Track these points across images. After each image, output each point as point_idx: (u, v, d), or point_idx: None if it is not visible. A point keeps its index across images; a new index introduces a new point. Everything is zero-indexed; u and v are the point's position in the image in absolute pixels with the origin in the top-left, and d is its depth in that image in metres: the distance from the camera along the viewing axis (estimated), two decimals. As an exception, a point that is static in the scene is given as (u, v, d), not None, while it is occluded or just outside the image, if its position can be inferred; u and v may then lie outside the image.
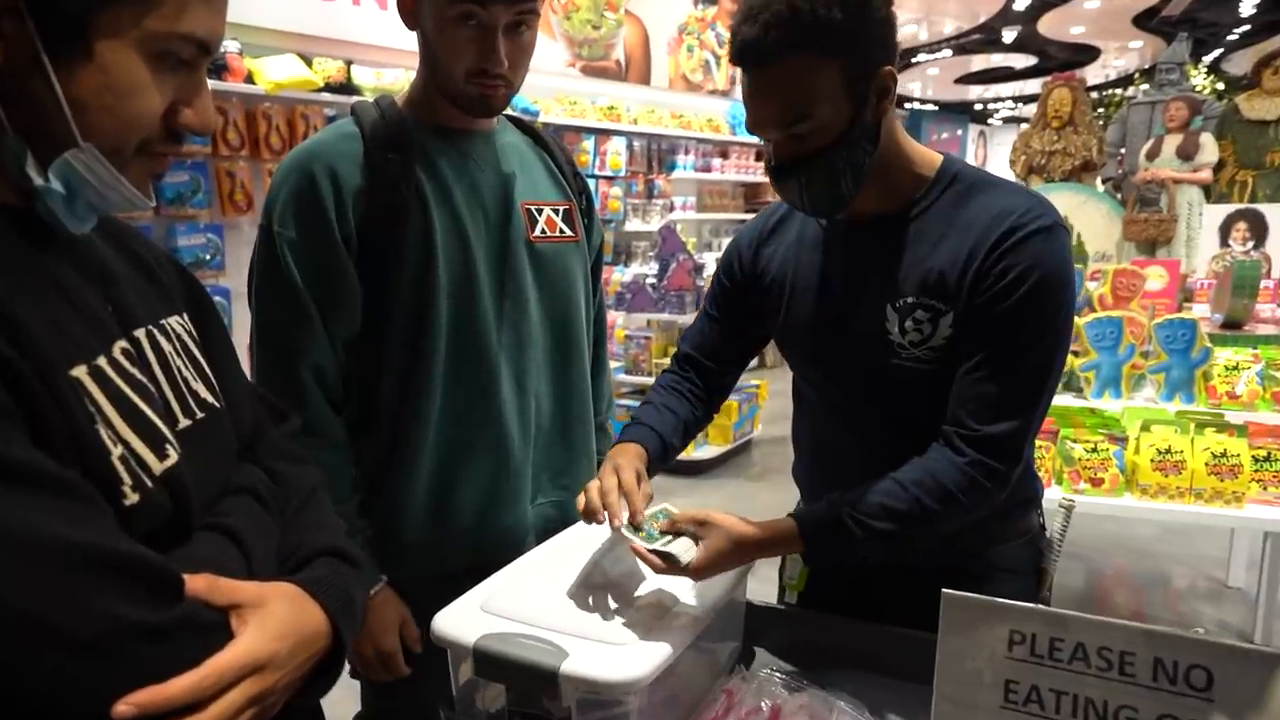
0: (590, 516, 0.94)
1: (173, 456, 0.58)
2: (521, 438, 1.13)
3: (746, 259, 1.13)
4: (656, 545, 0.91)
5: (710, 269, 4.87)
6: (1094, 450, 1.91)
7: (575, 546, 1.05)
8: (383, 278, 1.04)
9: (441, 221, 1.06)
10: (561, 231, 1.18)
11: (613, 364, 4.78)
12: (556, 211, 1.18)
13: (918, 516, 0.92)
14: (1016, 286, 0.91)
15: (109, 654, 0.48)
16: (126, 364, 0.59)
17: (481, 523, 1.11)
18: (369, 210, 1.02)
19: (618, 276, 5.77)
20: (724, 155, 6.99)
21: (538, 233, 1.15)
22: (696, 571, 0.90)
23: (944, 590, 0.74)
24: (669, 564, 0.90)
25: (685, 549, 0.91)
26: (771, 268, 1.09)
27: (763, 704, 0.91)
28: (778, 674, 0.97)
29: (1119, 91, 12.29)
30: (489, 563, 1.06)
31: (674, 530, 0.93)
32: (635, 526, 0.93)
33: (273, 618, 0.58)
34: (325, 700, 0.75)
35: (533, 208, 1.15)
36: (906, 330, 0.96)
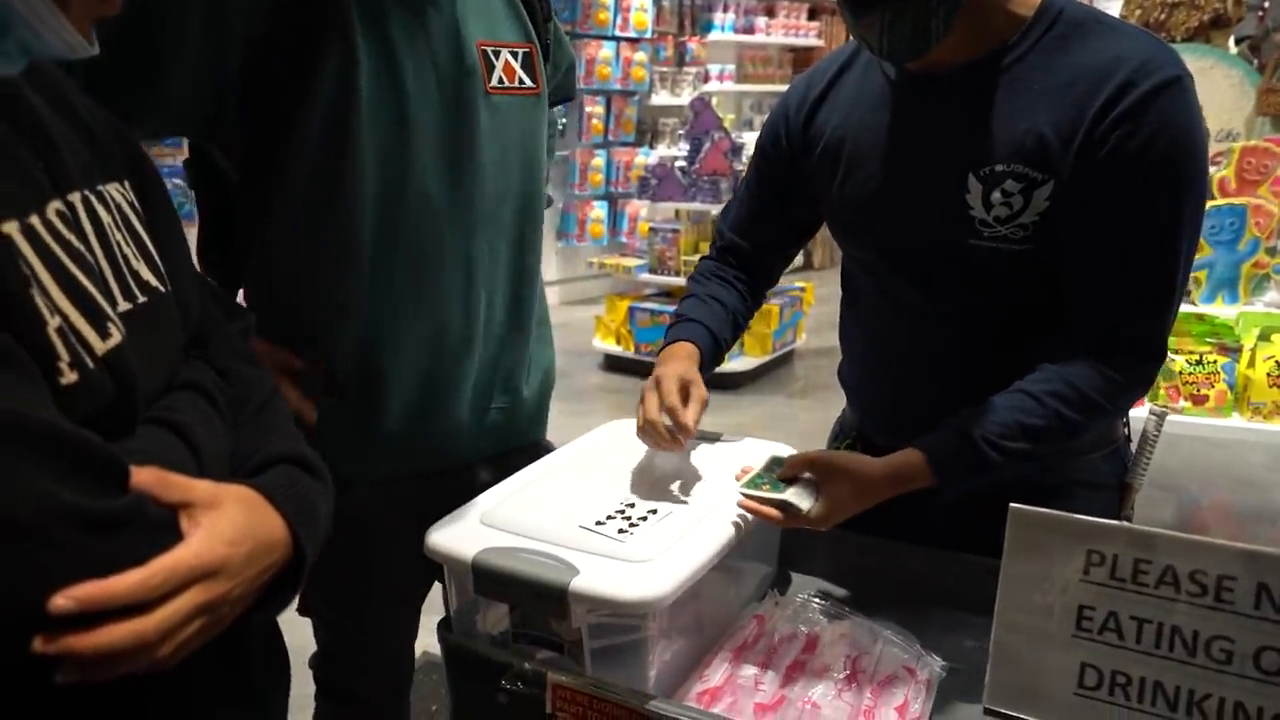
0: (660, 445, 0.99)
1: (116, 336, 0.58)
2: (463, 336, 1.08)
3: (796, 124, 1.10)
4: (769, 494, 0.92)
5: (751, 150, 4.75)
6: (1199, 363, 1.88)
7: (585, 456, 1.07)
8: (278, 120, 0.96)
9: (370, 58, 0.96)
10: (521, 81, 1.08)
11: (634, 261, 4.81)
12: (515, 55, 1.08)
13: (1058, 431, 0.91)
14: (1142, 155, 0.88)
15: (46, 540, 0.49)
16: (62, 228, 0.58)
17: (414, 424, 1.08)
18: (271, 25, 0.92)
19: (641, 159, 5.67)
20: (769, 13, 6.69)
21: (494, 82, 1.05)
22: (821, 520, 0.92)
23: (1011, 505, 0.74)
24: (787, 514, 0.91)
25: (802, 496, 0.92)
26: (825, 131, 1.06)
27: (799, 630, 0.93)
28: (815, 600, 0.99)
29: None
30: (427, 470, 1.09)
31: (789, 476, 0.94)
32: (755, 483, 0.94)
33: (227, 520, 0.59)
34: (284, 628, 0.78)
35: (489, 49, 1.05)
36: (992, 204, 0.93)
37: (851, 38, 0.98)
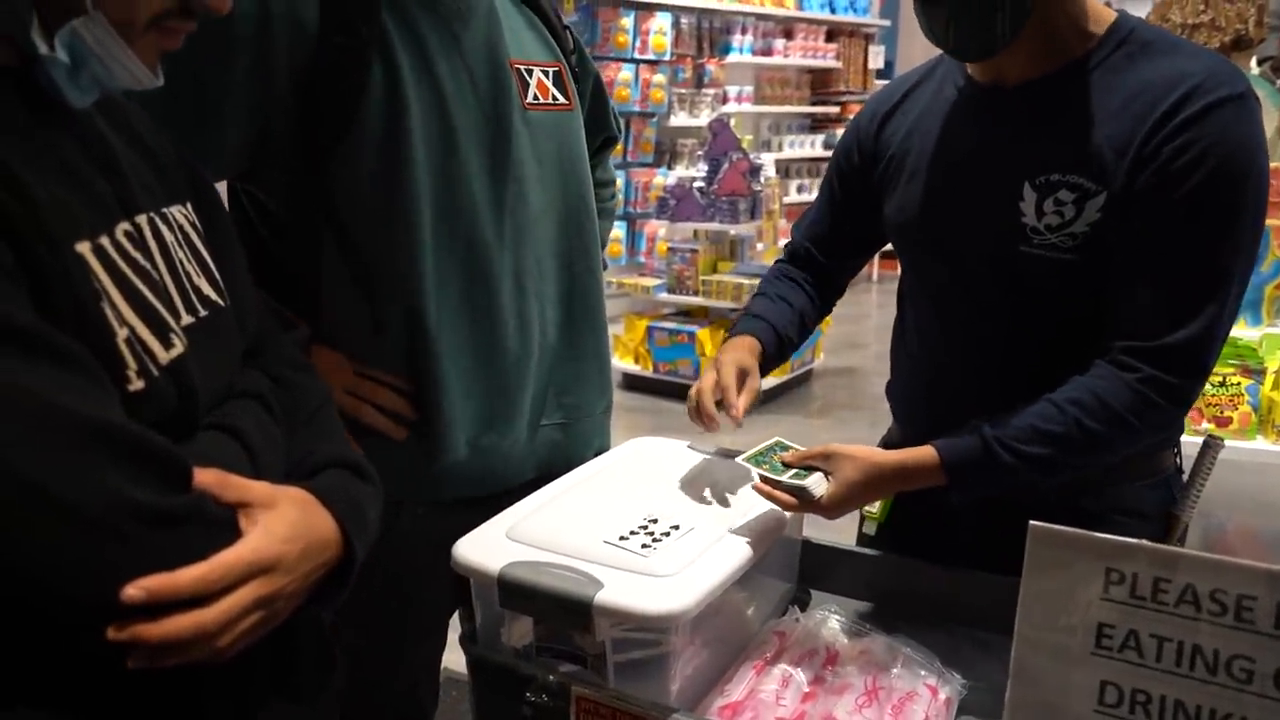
0: (703, 420, 1.01)
1: (179, 346, 0.62)
2: (521, 349, 1.09)
3: (867, 136, 1.12)
4: (785, 478, 0.93)
5: (770, 171, 4.77)
6: (1222, 385, 1.87)
7: (608, 472, 1.09)
8: (326, 149, 0.98)
9: (414, 81, 0.98)
10: (554, 98, 1.11)
11: (653, 281, 4.83)
12: (546, 74, 1.11)
13: (1077, 440, 0.91)
14: (1195, 168, 0.88)
15: (116, 534, 0.52)
16: (129, 246, 0.62)
17: (474, 449, 1.09)
18: (315, 50, 0.94)
19: (660, 180, 5.70)
20: (788, 35, 6.74)
21: (530, 98, 1.08)
22: (830, 507, 0.93)
23: (1031, 522, 0.75)
24: (800, 499, 0.93)
25: (817, 483, 0.93)
26: (893, 143, 1.09)
27: (819, 646, 0.94)
28: (836, 616, 1.00)
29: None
30: (485, 493, 1.09)
31: (799, 464, 0.96)
32: (756, 460, 0.96)
33: (282, 520, 0.62)
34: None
35: (521, 67, 1.08)
36: (1044, 212, 0.94)
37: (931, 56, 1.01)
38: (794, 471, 0.95)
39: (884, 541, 1.14)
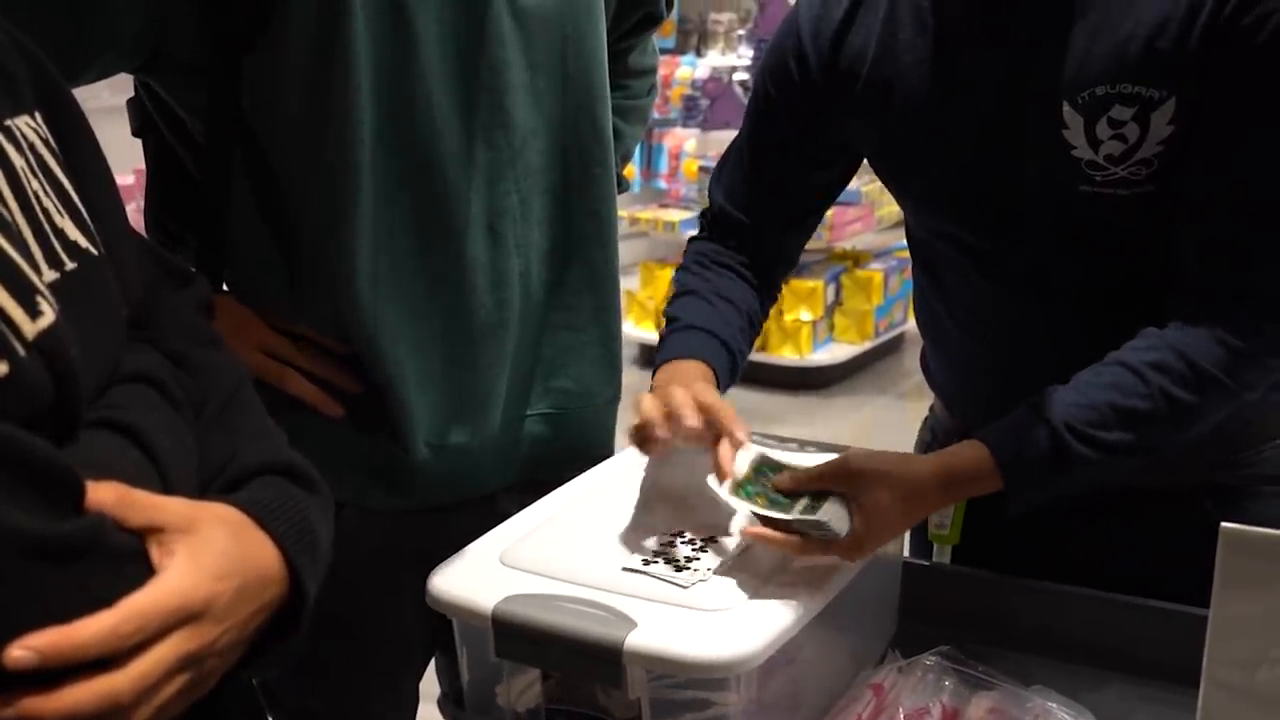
0: (645, 440, 0.99)
1: (48, 315, 0.61)
2: (495, 315, 1.11)
3: (817, 56, 1.12)
4: (794, 515, 0.90)
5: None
6: None
7: (621, 479, 1.10)
8: (242, 40, 0.99)
9: None
10: None
11: (679, 214, 4.82)
12: None
13: (1165, 418, 0.93)
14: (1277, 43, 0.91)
15: None
16: None
17: (435, 446, 1.11)
18: None
19: (686, 72, 5.68)
20: None
21: None
22: (856, 547, 0.91)
23: (1223, 525, 0.75)
24: (816, 543, 0.90)
25: (838, 517, 0.90)
26: (864, 64, 1.10)
27: (931, 705, 0.96)
28: (951, 663, 1.01)
29: None
30: (446, 500, 1.12)
31: (801, 490, 0.94)
32: (738, 487, 0.93)
33: (208, 549, 0.61)
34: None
35: None
36: (1100, 139, 0.97)
37: None
38: (803, 503, 0.92)
39: (964, 561, 1.16)
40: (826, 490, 0.93)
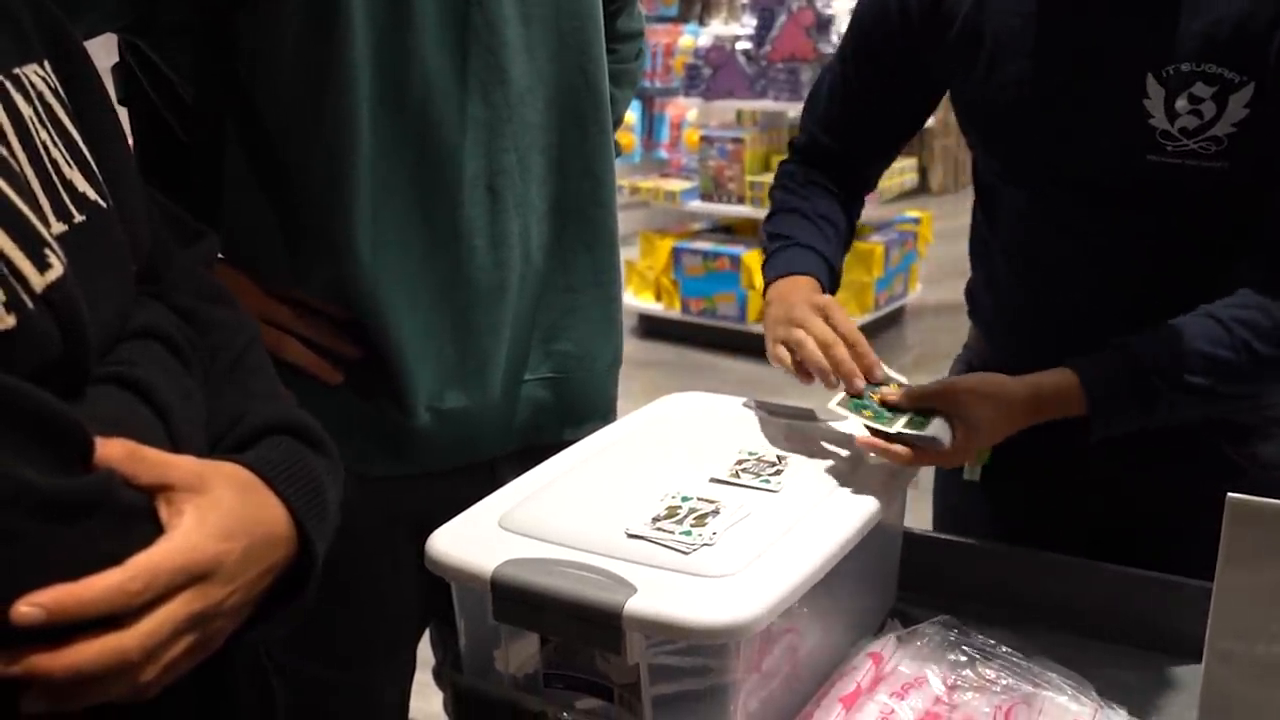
0: (821, 376, 1.06)
1: (57, 268, 0.61)
2: (494, 278, 1.12)
3: (917, 1, 1.17)
4: (898, 427, 1.00)
5: (843, 23, 4.70)
6: None
7: (624, 444, 1.10)
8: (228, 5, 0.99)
9: None
10: None
11: (680, 184, 4.81)
12: None
13: (1246, 370, 1.01)
14: None
15: (1, 529, 0.52)
16: None
17: (435, 410, 1.12)
18: None
19: (688, 40, 5.65)
20: None
21: None
22: (958, 455, 1.04)
23: (1230, 496, 0.75)
24: (926, 452, 1.01)
25: (943, 430, 1.02)
26: (960, 13, 1.16)
27: (929, 672, 0.96)
28: (950, 631, 1.01)
29: None
30: (446, 465, 1.13)
31: (909, 406, 1.04)
32: (855, 406, 1.04)
33: (216, 508, 0.62)
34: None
35: None
36: (1178, 112, 1.03)
37: None
38: (908, 417, 1.02)
39: (987, 488, 1.23)
40: (928, 407, 1.03)
